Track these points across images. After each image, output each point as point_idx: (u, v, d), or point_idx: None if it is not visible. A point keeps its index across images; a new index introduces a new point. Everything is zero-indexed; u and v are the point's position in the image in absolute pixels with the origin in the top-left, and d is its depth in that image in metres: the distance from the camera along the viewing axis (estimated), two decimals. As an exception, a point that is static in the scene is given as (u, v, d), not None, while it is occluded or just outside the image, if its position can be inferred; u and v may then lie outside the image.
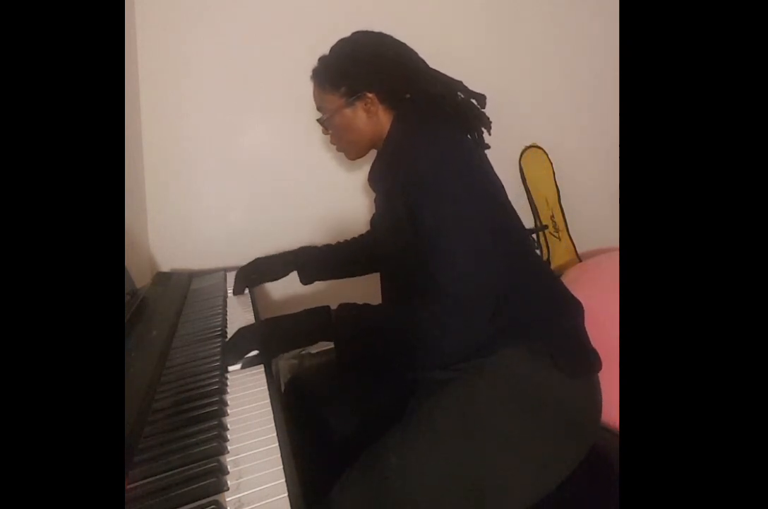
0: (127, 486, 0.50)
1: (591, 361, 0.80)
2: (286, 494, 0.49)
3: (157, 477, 0.52)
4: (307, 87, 1.29)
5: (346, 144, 0.94)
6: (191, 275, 1.25)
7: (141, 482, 0.51)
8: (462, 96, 0.88)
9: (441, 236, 0.70)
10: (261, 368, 0.76)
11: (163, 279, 1.19)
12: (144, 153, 1.27)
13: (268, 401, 0.66)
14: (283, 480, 0.51)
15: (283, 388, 1.04)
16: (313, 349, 1.28)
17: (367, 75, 0.86)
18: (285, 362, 1.28)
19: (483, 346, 0.72)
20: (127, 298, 0.93)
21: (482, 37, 1.49)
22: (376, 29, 0.90)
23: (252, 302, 1.06)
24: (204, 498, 0.49)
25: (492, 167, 0.84)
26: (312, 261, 1.13)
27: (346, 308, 0.80)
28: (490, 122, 0.90)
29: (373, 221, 1.06)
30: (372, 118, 0.88)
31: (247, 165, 1.34)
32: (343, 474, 0.71)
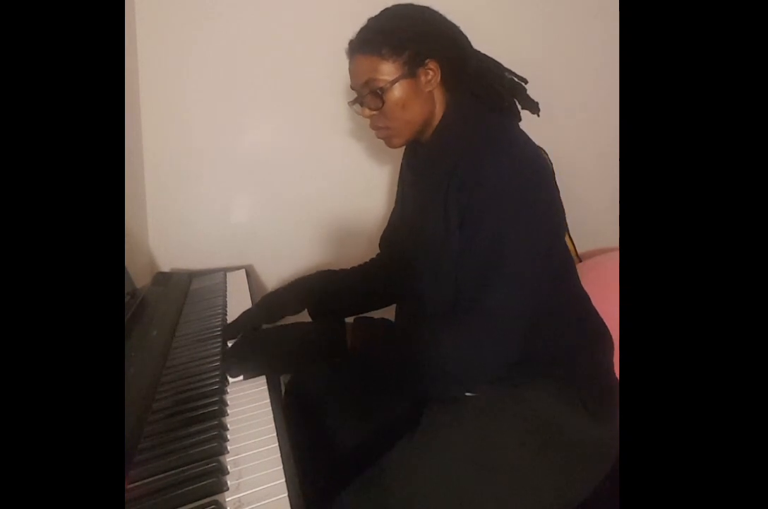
0: (127, 486, 0.50)
1: (616, 399, 0.76)
2: (286, 494, 0.49)
3: (157, 477, 0.52)
4: (308, 85, 1.30)
5: (399, 124, 0.79)
6: (191, 275, 1.25)
7: (141, 482, 0.51)
8: (509, 77, 0.82)
9: (495, 250, 0.66)
10: (261, 368, 0.76)
11: (163, 279, 1.19)
12: (144, 153, 1.27)
13: (268, 401, 0.66)
14: (283, 480, 0.51)
15: (283, 388, 1.04)
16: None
17: (434, 40, 0.76)
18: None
19: (512, 373, 0.70)
20: (127, 298, 0.93)
21: (482, 38, 1.49)
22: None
23: (252, 302, 1.06)
24: (204, 498, 0.49)
25: (552, 168, 0.76)
26: (328, 298, 0.96)
27: (364, 323, 0.76)
28: (537, 104, 0.83)
29: (390, 227, 0.96)
30: (430, 95, 0.78)
31: (248, 165, 1.34)
32: (345, 485, 0.69)
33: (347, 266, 1.07)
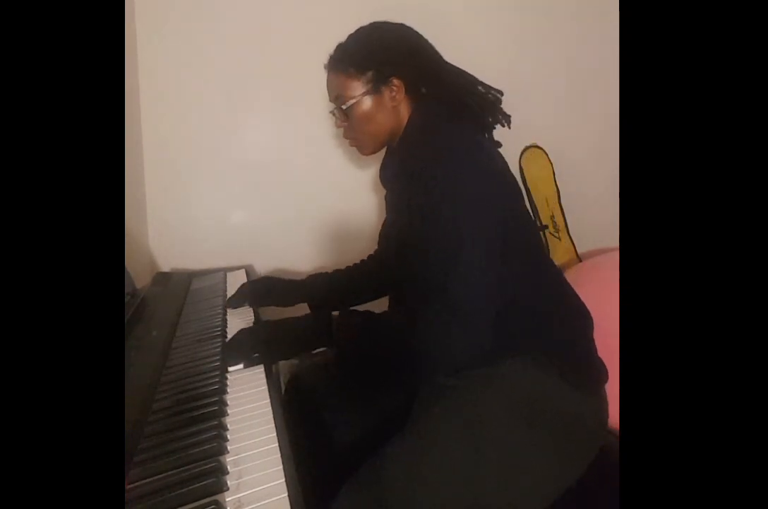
0: (127, 486, 0.50)
1: (598, 373, 0.80)
2: (286, 494, 0.49)
3: (157, 477, 0.52)
4: (307, 86, 1.29)
5: (365, 136, 0.89)
6: (191, 275, 1.25)
7: (141, 482, 0.51)
8: (482, 90, 0.87)
9: (452, 243, 0.70)
10: (261, 368, 0.76)
11: (163, 279, 1.19)
12: (144, 153, 1.27)
13: (268, 401, 0.66)
14: (283, 480, 0.51)
15: (283, 388, 1.04)
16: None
17: (397, 59, 0.84)
18: (285, 361, 1.28)
19: (490, 354, 0.72)
20: (127, 298, 0.93)
21: (483, 38, 1.49)
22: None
23: (252, 302, 1.06)
24: (204, 498, 0.49)
25: (508, 168, 0.82)
26: (323, 292, 1.05)
27: (347, 315, 0.80)
28: (509, 117, 0.88)
29: (385, 225, 1.03)
30: (395, 109, 0.86)
31: (248, 165, 1.34)
32: (344, 483, 0.70)
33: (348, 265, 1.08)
